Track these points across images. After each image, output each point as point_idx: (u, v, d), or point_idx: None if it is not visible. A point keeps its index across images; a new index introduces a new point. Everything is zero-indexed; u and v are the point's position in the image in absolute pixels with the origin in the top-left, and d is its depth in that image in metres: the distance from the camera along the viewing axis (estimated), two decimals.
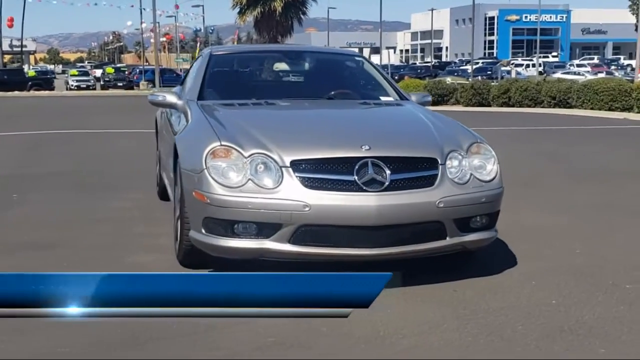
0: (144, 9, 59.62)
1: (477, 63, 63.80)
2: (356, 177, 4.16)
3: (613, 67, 57.75)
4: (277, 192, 4.17)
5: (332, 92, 5.68)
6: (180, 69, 53.53)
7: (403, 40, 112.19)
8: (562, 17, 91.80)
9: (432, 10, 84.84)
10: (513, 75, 49.74)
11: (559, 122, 17.84)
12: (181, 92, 5.96)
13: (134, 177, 8.57)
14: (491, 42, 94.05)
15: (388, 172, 4.19)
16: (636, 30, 39.51)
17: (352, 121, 5.21)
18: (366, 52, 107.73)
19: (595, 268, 4.76)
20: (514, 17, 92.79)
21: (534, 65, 59.22)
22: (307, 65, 6.23)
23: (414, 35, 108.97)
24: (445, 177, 4.32)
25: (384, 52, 36.52)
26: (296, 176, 4.18)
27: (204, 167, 4.31)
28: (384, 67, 54.79)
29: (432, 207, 4.21)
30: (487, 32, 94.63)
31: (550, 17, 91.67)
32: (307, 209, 4.09)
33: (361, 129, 4.84)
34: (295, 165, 4.21)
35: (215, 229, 4.29)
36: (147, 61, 67.07)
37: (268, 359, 3.35)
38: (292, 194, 4.15)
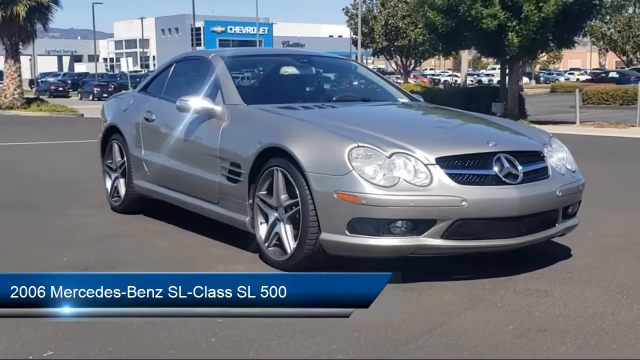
0: None
1: None
2: (497, 171, 4.42)
3: None
4: (431, 189, 4.27)
5: (364, 95, 5.82)
6: None
7: (107, 48, 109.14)
8: (265, 29, 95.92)
9: (142, 18, 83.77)
10: None
11: None
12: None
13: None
14: None
15: (520, 165, 4.51)
16: (355, 45, 42.89)
17: (442, 121, 5.41)
18: (66, 60, 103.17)
19: None
20: (219, 29, 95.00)
21: None
22: (314, 69, 6.25)
23: (118, 44, 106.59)
24: (551, 169, 4.75)
25: (123, 60, 35.40)
26: (445, 172, 4.33)
27: (350, 167, 4.27)
28: (123, 74, 53.18)
29: (554, 196, 4.61)
30: (194, 42, 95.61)
31: (254, 29, 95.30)
32: (464, 203, 4.26)
33: (467, 127, 5.10)
34: (442, 162, 4.34)
35: (365, 229, 4.26)
36: None
37: (268, 359, 3.38)
38: (446, 189, 4.28)
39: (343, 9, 43.71)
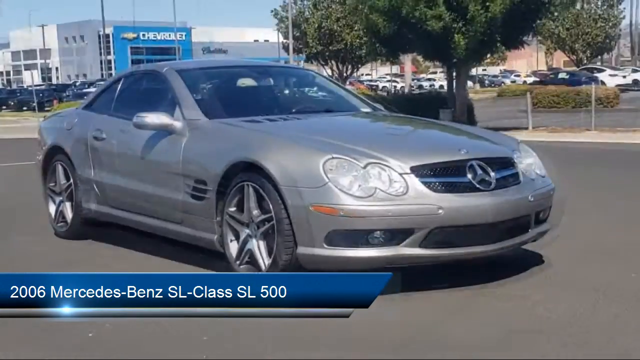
0: None
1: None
2: (470, 178, 4.91)
3: None
4: (407, 198, 4.73)
5: (327, 106, 6.27)
6: None
7: (3, 60, 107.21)
8: (182, 35, 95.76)
9: (42, 26, 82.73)
10: None
11: None
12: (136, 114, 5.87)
13: None
14: (109, 61, 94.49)
15: (492, 172, 5.01)
16: (286, 51, 43.49)
17: (410, 130, 5.89)
18: None
19: None
20: (131, 35, 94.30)
21: None
22: (272, 81, 6.67)
23: (15, 55, 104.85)
24: (522, 175, 5.27)
25: (26, 72, 35.12)
26: (420, 181, 4.79)
27: (326, 179, 4.70)
28: (23, 90, 52.38)
29: (526, 201, 5.13)
30: (102, 50, 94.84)
31: (170, 35, 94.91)
32: (440, 211, 4.73)
33: (437, 135, 5.59)
34: (417, 171, 4.81)
35: (343, 241, 4.69)
36: None
37: (268, 359, 3.66)
38: (422, 198, 4.75)
39: (272, 11, 44.25)
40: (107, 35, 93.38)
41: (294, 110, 6.12)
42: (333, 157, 4.78)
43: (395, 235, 4.71)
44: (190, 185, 5.49)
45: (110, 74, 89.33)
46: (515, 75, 66.76)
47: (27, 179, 11.67)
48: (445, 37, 19.53)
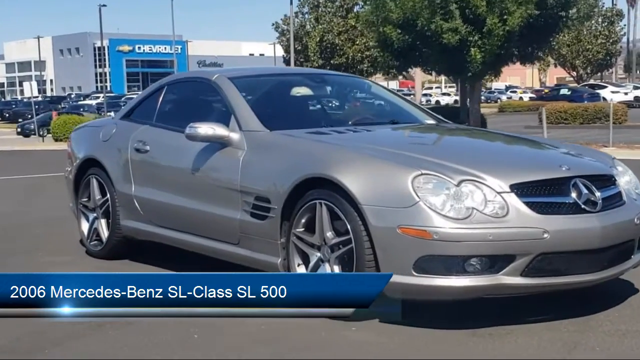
0: None
1: (98, 98, 63.24)
2: (575, 197, 4.37)
3: None
4: (508, 220, 4.19)
5: (390, 117, 5.74)
6: None
7: None
8: (177, 48, 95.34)
9: (38, 38, 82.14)
10: None
11: None
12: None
13: None
14: (105, 74, 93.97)
15: (597, 191, 4.47)
16: (286, 64, 43.06)
17: (499, 144, 5.35)
18: None
19: None
20: (126, 48, 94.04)
21: None
22: (329, 89, 6.14)
23: (9, 67, 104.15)
24: (624, 194, 4.73)
25: (26, 84, 34.52)
26: (522, 201, 4.25)
27: (417, 198, 4.16)
28: (19, 101, 51.69)
29: (632, 224, 4.58)
30: (97, 63, 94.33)
31: (165, 48, 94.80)
32: (546, 235, 4.18)
33: (531, 150, 5.05)
34: (517, 190, 4.27)
35: (435, 268, 4.14)
36: None
37: (269, 359, 3.53)
38: (525, 220, 4.20)
39: (273, 24, 43.87)
40: (103, 48, 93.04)
41: (356, 122, 5.58)
42: (422, 174, 4.24)
43: (494, 263, 4.16)
44: (249, 202, 4.94)
45: (106, 87, 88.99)
46: (511, 92, 66.40)
47: (38, 193, 11.16)
48: (461, 51, 19.11)
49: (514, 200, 4.23)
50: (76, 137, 6.88)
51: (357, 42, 40.70)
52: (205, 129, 5.16)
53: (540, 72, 70.76)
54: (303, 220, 4.63)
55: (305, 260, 4.67)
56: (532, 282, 4.23)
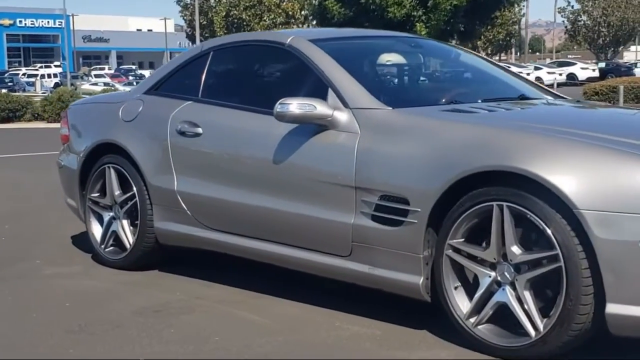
0: None
1: None
2: None
3: (131, 77, 59.37)
4: None
5: (515, 91, 4.63)
6: None
7: None
8: (61, 22, 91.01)
9: None
10: (38, 87, 48.23)
11: None
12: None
13: None
14: None
15: None
16: (190, 39, 41.37)
17: None
18: None
19: None
20: (7, 22, 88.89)
21: (55, 75, 57.53)
22: (422, 57, 4.94)
23: None
24: None
25: None
26: None
27: None
28: None
29: None
30: None
31: (48, 22, 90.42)
32: None
33: None
34: None
35: None
36: None
37: (269, 359, 3.36)
38: None
39: None
40: None
41: (486, 97, 4.38)
42: None
43: None
44: (371, 203, 3.74)
45: None
46: None
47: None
48: (405, 26, 18.16)
49: None
50: (79, 115, 5.44)
51: (265, 18, 39.40)
52: (303, 106, 3.91)
53: None
54: (464, 229, 3.49)
55: (465, 282, 3.54)
56: None
